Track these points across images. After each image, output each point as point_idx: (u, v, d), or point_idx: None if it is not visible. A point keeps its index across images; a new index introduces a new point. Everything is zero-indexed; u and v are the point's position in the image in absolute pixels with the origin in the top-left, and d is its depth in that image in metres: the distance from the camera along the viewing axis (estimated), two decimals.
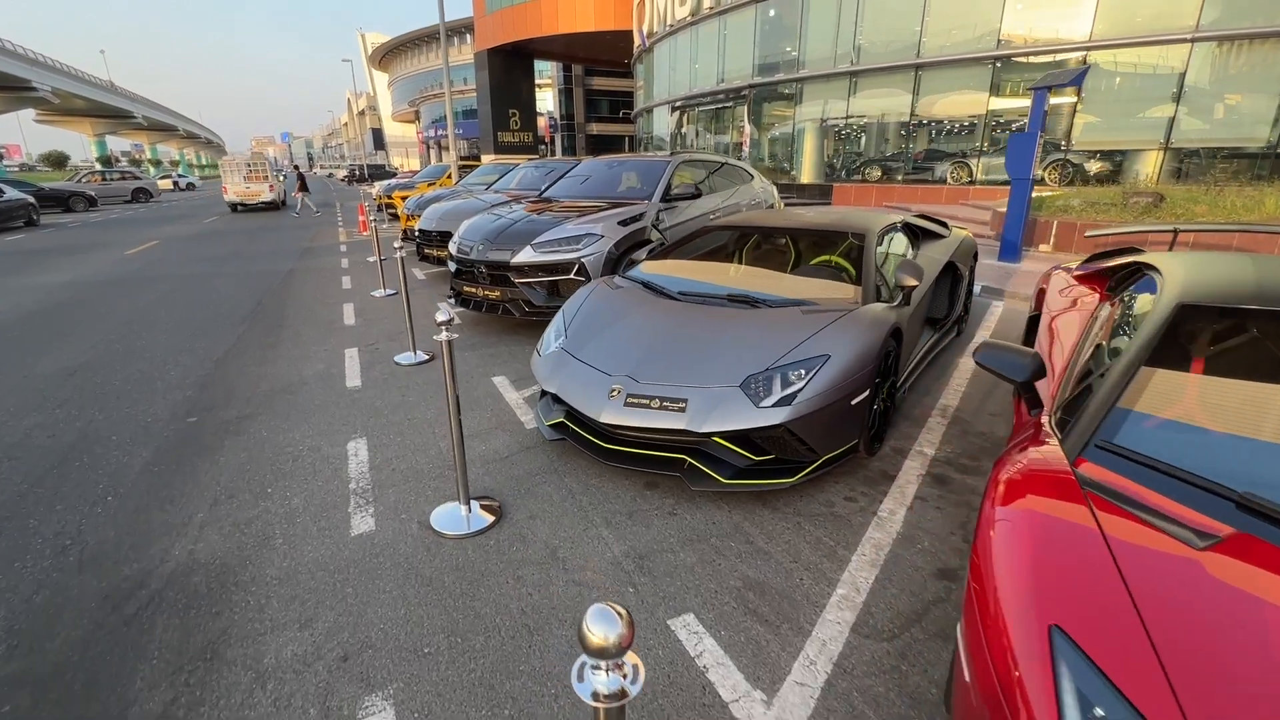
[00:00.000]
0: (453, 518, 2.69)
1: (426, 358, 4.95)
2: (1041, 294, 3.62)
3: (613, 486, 2.95)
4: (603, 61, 40.20)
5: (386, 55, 67.22)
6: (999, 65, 14.48)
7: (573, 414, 3.07)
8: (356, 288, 7.89)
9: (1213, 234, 6.75)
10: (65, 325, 6.21)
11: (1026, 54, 14.09)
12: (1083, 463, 1.53)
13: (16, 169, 63.24)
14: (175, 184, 39.74)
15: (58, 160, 49.04)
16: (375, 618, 2.13)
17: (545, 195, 6.90)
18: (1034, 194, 10.85)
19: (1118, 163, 13.94)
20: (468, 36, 46.94)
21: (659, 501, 2.82)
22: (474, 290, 5.42)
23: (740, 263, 4.22)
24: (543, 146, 44.64)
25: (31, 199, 18.19)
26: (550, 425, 3.23)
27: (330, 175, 66.40)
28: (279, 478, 3.11)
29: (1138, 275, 2.72)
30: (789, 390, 2.65)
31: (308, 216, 17.77)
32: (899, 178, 16.48)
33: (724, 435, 2.67)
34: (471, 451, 3.33)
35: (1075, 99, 13.69)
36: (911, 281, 3.32)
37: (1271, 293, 1.94)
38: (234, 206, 20.79)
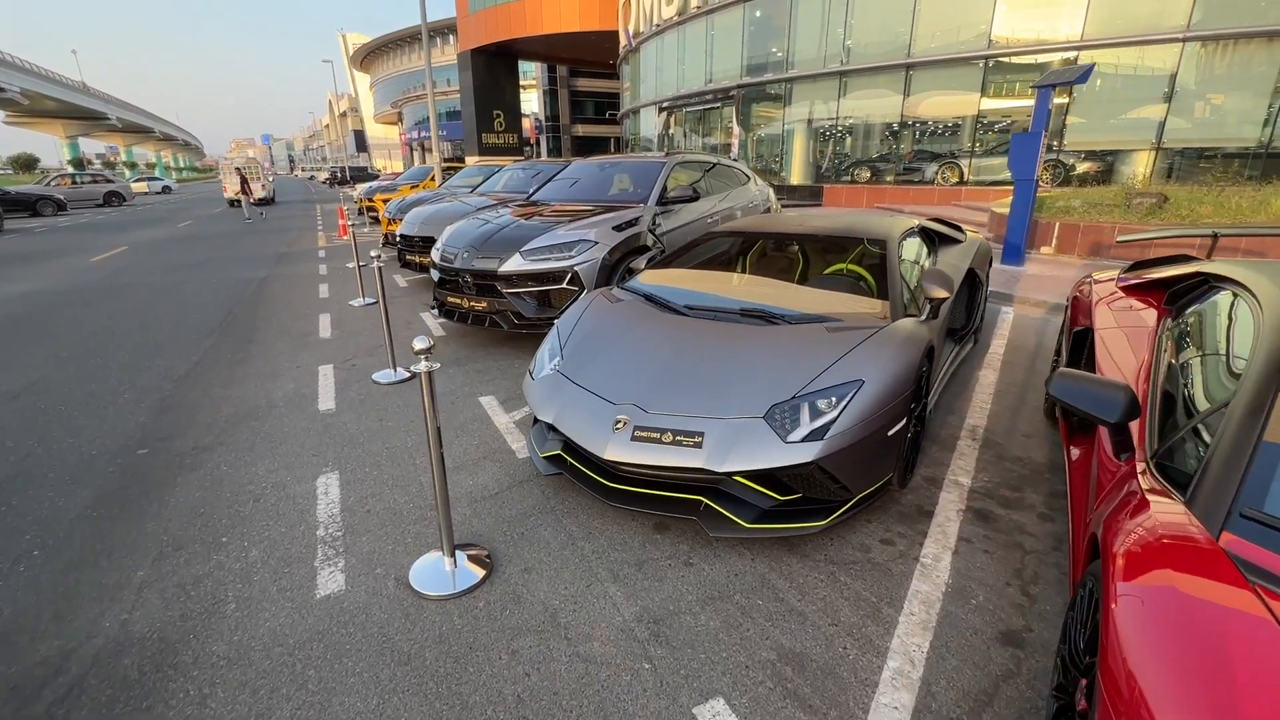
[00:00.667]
0: (435, 573, 2.33)
1: (408, 375, 4.57)
2: (1077, 305, 3.33)
3: (618, 529, 2.61)
4: (588, 62, 39.84)
5: (368, 56, 66.30)
6: (989, 65, 14.35)
7: (571, 445, 2.72)
8: (334, 296, 7.48)
9: (1254, 238, 6.53)
10: (15, 341, 5.74)
11: (1017, 54, 13.96)
12: (1229, 537, 1.21)
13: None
14: (149, 187, 38.71)
15: (27, 163, 47.63)
16: (343, 711, 1.77)
17: (534, 199, 6.54)
18: (1040, 195, 10.70)
19: (1109, 163, 13.85)
20: (451, 37, 46.34)
21: (672, 548, 2.48)
22: (459, 301, 5.05)
23: (747, 272, 3.90)
24: (528, 148, 44.17)
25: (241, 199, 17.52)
26: (545, 457, 2.88)
27: (312, 178, 65.32)
28: (236, 523, 2.72)
29: (1205, 288, 2.43)
30: (820, 422, 2.33)
31: (257, 222, 17.07)
32: (889, 178, 16.31)
33: (747, 474, 2.34)
34: (457, 488, 2.97)
35: (1067, 99, 13.59)
36: (941, 293, 3.02)
37: None
38: (231, 202, 23.67)
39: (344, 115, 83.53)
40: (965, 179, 15.08)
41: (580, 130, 49.01)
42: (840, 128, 17.19)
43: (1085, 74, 7.17)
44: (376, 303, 7.05)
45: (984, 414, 3.70)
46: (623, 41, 25.75)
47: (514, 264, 4.75)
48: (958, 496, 2.82)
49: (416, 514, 2.76)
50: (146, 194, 37.16)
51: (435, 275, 5.34)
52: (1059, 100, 13.67)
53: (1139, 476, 1.59)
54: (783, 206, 15.48)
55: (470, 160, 31.03)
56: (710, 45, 20.01)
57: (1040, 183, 13.85)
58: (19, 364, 5.03)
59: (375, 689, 1.85)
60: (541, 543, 2.53)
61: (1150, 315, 2.62)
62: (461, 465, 3.20)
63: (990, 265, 5.14)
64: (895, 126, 16.07)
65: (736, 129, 19.52)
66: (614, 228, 5.04)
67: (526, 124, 42.76)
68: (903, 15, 15.14)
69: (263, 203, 23.25)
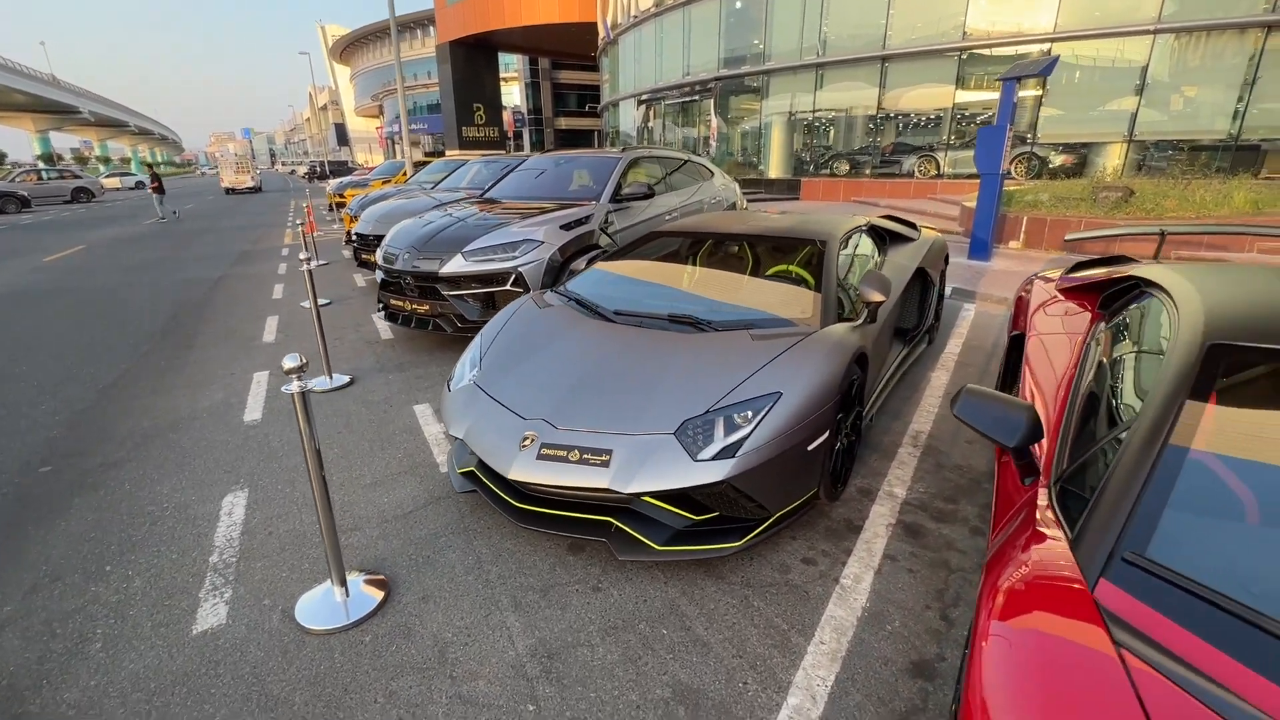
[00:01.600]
0: (325, 604, 2.18)
1: (345, 381, 4.40)
2: (1022, 306, 3.23)
3: (530, 551, 2.47)
4: (569, 55, 39.44)
5: (348, 48, 65.27)
6: (964, 58, 14.28)
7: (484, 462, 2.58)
8: (288, 297, 7.26)
9: (1200, 235, 6.49)
10: None
11: (991, 46, 13.90)
12: (1105, 585, 1.10)
13: None
14: (122, 183, 37.86)
15: None
16: None
17: (488, 195, 6.35)
18: (1010, 188, 10.66)
19: (1083, 155, 13.86)
20: (431, 29, 45.64)
21: (583, 571, 2.35)
22: (401, 304, 4.87)
23: (690, 274, 3.76)
24: (510, 141, 43.68)
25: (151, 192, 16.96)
26: (462, 473, 2.74)
27: (293, 172, 64.30)
28: (126, 550, 2.56)
29: (1135, 293, 2.33)
30: (733, 438, 2.20)
31: (172, 222, 16.51)
32: (867, 172, 16.23)
33: (657, 494, 2.21)
34: (371, 505, 2.82)
35: (1040, 92, 13.55)
36: (877, 297, 2.90)
37: None
38: (228, 190, 29.75)
39: (324, 108, 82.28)
40: (942, 172, 15.04)
41: (563, 123, 48.56)
42: (818, 121, 17.07)
43: (1049, 66, 7.09)
44: (331, 303, 6.90)
45: (929, 418, 3.60)
46: (601, 33, 25.47)
47: (455, 265, 4.58)
48: (890, 510, 2.71)
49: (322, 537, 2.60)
50: (119, 190, 36.31)
51: (379, 276, 5.16)
52: (1032, 93, 13.65)
53: (1038, 506, 1.48)
54: (758, 201, 15.39)
55: (450, 154, 30.63)
56: (687, 37, 19.80)
57: (1014, 176, 13.96)
58: None
59: None
60: (446, 567, 2.39)
61: (1083, 320, 2.51)
62: (381, 480, 3.05)
63: (946, 263, 5.04)
64: (872, 119, 15.98)
65: (715, 122, 19.36)
66: (562, 226, 4.88)
67: (506, 117, 42.28)
68: (878, 7, 15.02)
69: (252, 190, 30.09)
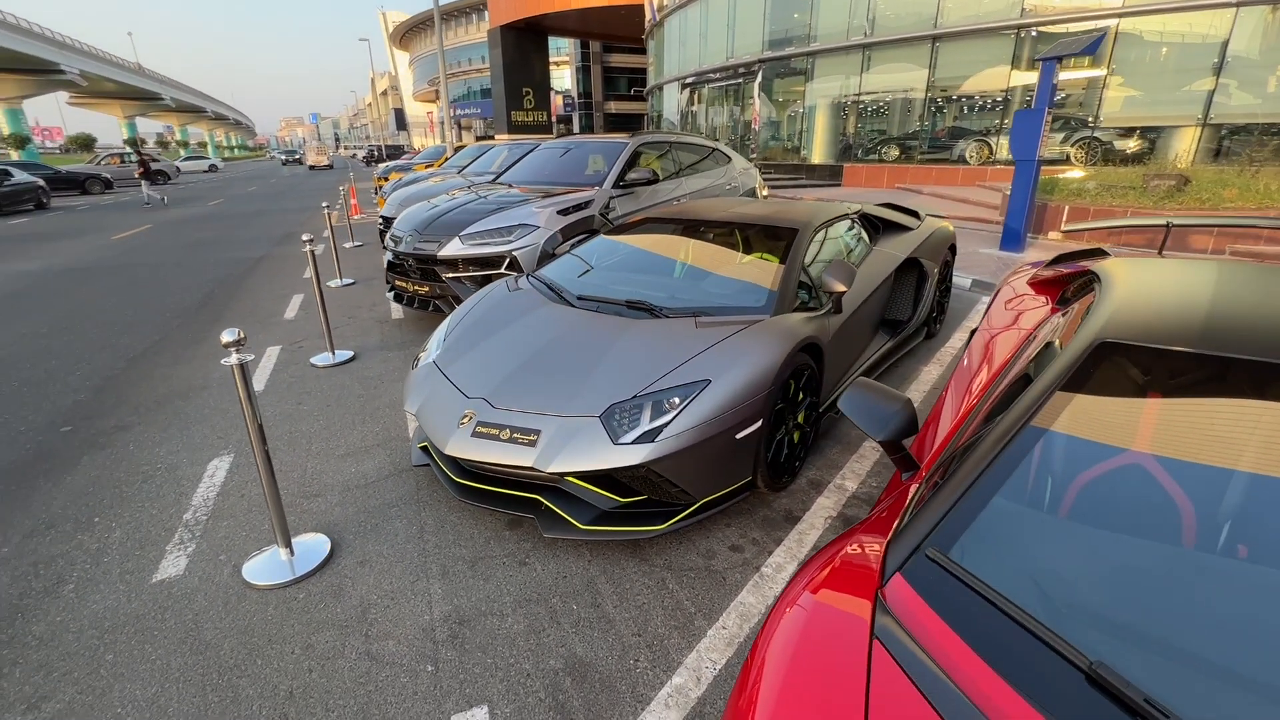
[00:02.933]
0: (272, 563, 2.35)
1: (348, 357, 4.63)
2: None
3: (471, 525, 2.58)
4: (620, 37, 39.21)
5: (407, 34, 66.81)
6: (1022, 36, 13.47)
7: None
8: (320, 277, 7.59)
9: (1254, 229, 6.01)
10: (3, 317, 6.04)
11: (1052, 23, 13.05)
12: (897, 581, 1.10)
13: (57, 151, 64.85)
14: (196, 166, 40.16)
15: (85, 142, 50.08)
16: (118, 698, 1.81)
17: (501, 179, 6.47)
18: (1053, 174, 10.09)
19: (1151, 140, 12.91)
20: (487, 14, 46.27)
21: (515, 546, 2.44)
22: (405, 285, 5.06)
23: (660, 260, 3.76)
24: (560, 126, 43.93)
25: (41, 182, 18.36)
26: (420, 448, 2.88)
27: (354, 155, 66.76)
28: (115, 504, 2.81)
29: (1089, 288, 2.22)
30: (656, 423, 2.24)
31: (156, 207, 17.11)
32: (916, 157, 15.60)
33: (581, 475, 2.27)
34: (337, 475, 2.99)
35: (1103, 72, 12.67)
36: (838, 287, 2.85)
37: (1238, 327, 1.46)
38: (311, 167, 38.91)
39: (384, 94, 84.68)
40: (995, 157, 14.30)
41: (613, 107, 48.47)
42: (863, 104, 16.48)
43: (1094, 45, 6.64)
44: (354, 283, 7.21)
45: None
46: (647, 16, 25.22)
47: (453, 248, 4.72)
48: (834, 502, 2.69)
49: (289, 501, 2.78)
50: (194, 172, 38.57)
51: (387, 258, 5.36)
52: (1094, 73, 12.80)
53: (905, 499, 1.47)
54: (797, 188, 15.04)
55: (499, 138, 31.09)
56: (732, 18, 19.39)
57: (1074, 161, 13.16)
58: None
59: (160, 677, 1.88)
60: (390, 535, 2.53)
61: (1040, 315, 2.41)
62: (353, 452, 3.22)
63: (953, 253, 4.85)
64: (921, 102, 15.31)
65: (758, 105, 18.95)
66: (559, 211, 4.95)
67: (557, 101, 42.50)
68: None
69: (327, 167, 38.14)
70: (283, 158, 50.76)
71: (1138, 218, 3.35)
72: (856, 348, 3.46)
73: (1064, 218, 7.95)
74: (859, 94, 16.32)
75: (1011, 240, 7.39)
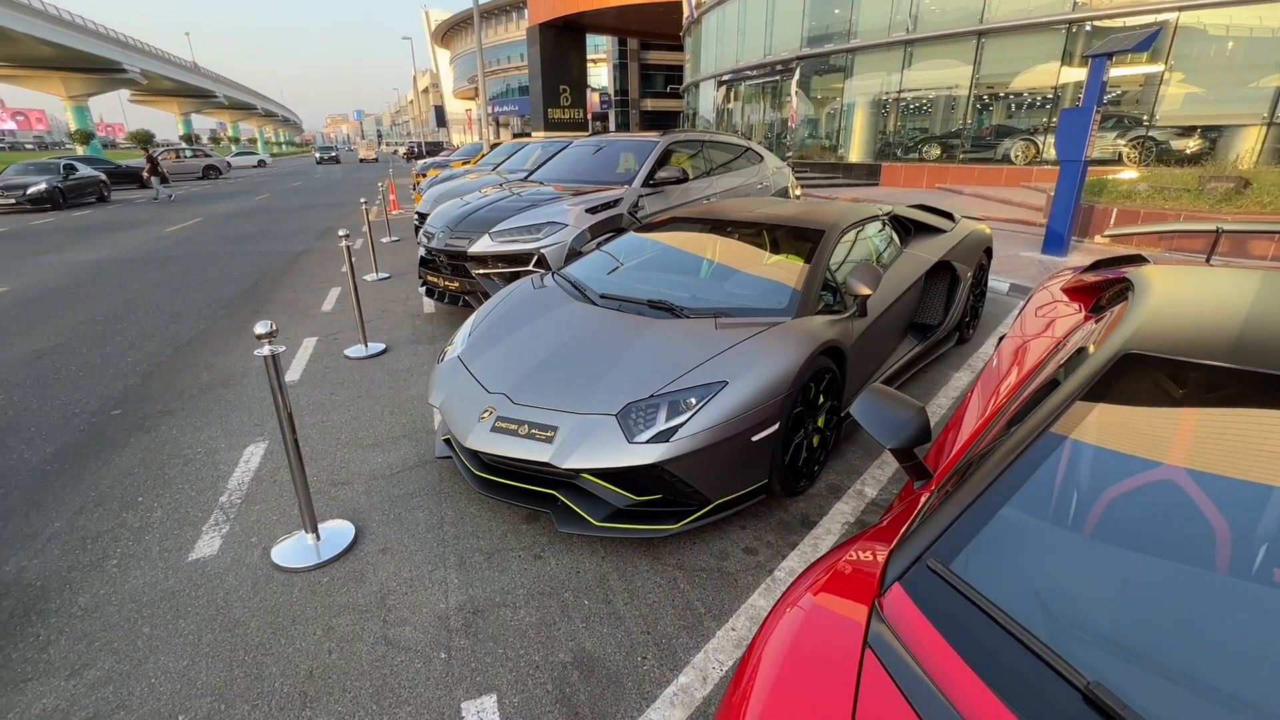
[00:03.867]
0: (299, 547, 2.44)
1: (380, 349, 4.76)
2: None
3: (490, 517, 2.63)
4: (658, 35, 39.10)
5: (448, 32, 67.96)
6: (1074, 30, 12.97)
7: None
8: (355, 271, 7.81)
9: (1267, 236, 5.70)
10: (62, 305, 6.39)
11: (1108, 16, 12.53)
12: (895, 591, 1.09)
13: (115, 146, 68.04)
14: (246, 161, 41.66)
15: (144, 138, 52.55)
16: (153, 668, 1.91)
17: (532, 177, 6.55)
18: (1102, 175, 9.70)
19: (1211, 140, 12.29)
20: (526, 12, 46.74)
21: (531, 540, 2.48)
22: (436, 280, 5.17)
23: (686, 260, 3.75)
24: (596, 123, 44.11)
25: (103, 176, 19.33)
26: (444, 440, 2.95)
27: (395, 152, 68.29)
28: (157, 485, 2.95)
29: (1123, 295, 2.14)
30: (672, 423, 2.25)
31: (165, 204, 17.39)
32: (959, 156, 15.18)
33: (596, 472, 2.29)
34: (364, 464, 3.09)
35: (1161, 68, 12.11)
36: (863, 290, 2.81)
37: (1265, 341, 1.39)
38: (361, 159, 44.35)
39: (426, 91, 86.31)
40: (1041, 157, 13.82)
41: (649, 105, 48.44)
42: (904, 102, 16.11)
43: (1149, 40, 6.36)
44: (390, 277, 7.39)
45: (934, 418, 3.44)
46: (685, 13, 25.11)
47: (483, 245, 4.80)
48: (852, 508, 2.66)
49: (318, 487, 2.89)
50: (244, 167, 40.01)
51: (420, 253, 5.48)
52: (1150, 69, 12.25)
53: (915, 507, 1.45)
54: (833, 187, 14.81)
55: (536, 135, 31.41)
56: (770, 15, 19.16)
57: (1127, 161, 12.63)
58: (56, 326, 5.60)
59: (192, 650, 1.97)
60: (411, 524, 2.60)
61: (1072, 323, 2.33)
62: (381, 442, 3.32)
63: (989, 257, 4.72)
64: (965, 100, 14.88)
65: (795, 103, 18.71)
66: (587, 210, 4.99)
67: (594, 98, 42.68)
68: None
69: (374, 160, 43.68)
70: (318, 155, 46.20)
71: (1187, 222, 3.21)
72: (882, 352, 3.41)
73: (1111, 221, 7.65)
74: (899, 91, 15.96)
75: (1054, 244, 7.15)
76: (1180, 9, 11.74)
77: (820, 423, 2.76)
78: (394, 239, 10.08)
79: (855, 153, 17.37)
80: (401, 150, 59.81)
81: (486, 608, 2.13)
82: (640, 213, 5.33)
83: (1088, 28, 12.82)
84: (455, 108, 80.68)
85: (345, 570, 2.33)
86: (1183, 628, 1.01)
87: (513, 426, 2.40)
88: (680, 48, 31.93)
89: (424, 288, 5.43)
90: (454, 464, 2.97)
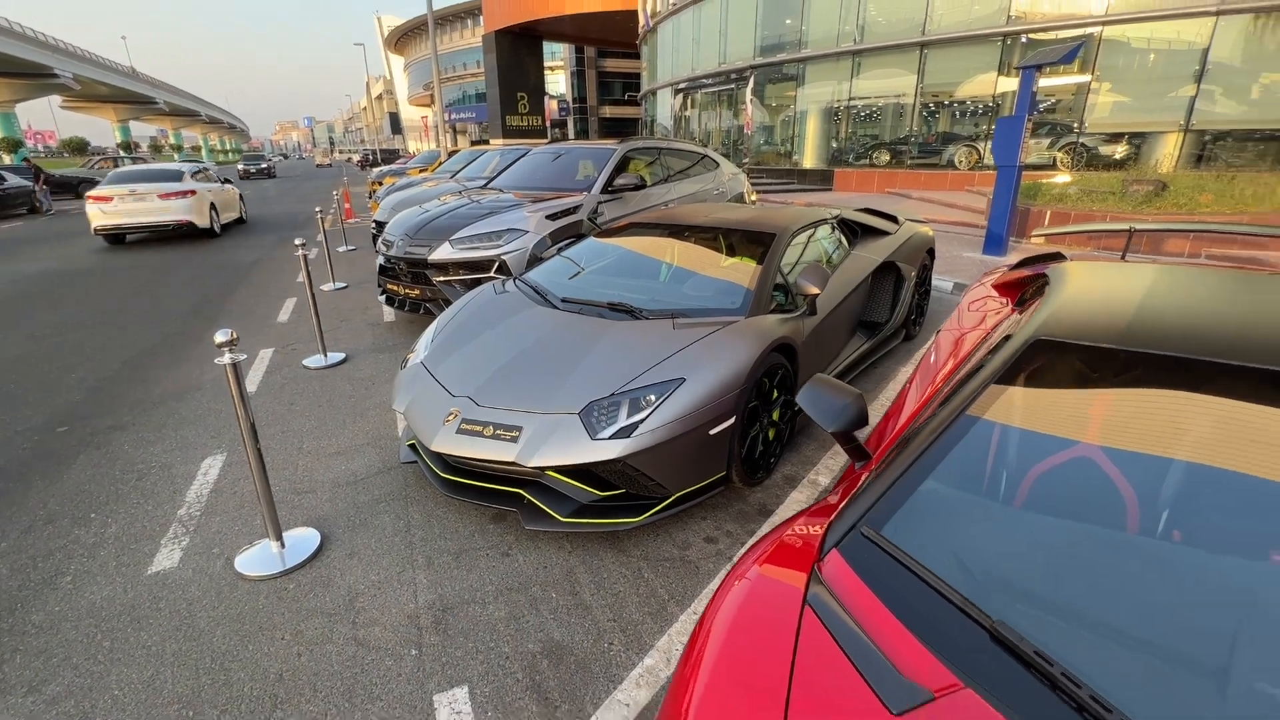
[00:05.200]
0: (263, 555, 2.44)
1: (340, 359, 4.72)
2: None
3: (458, 518, 2.67)
4: (614, 43, 39.40)
5: (402, 38, 66.96)
6: (1010, 42, 13.68)
7: None
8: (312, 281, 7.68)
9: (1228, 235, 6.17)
10: (10, 319, 6.10)
11: (1039, 30, 13.25)
12: (833, 557, 1.20)
13: (43, 154, 64.71)
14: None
15: (78, 146, 50.06)
16: (116, 680, 1.90)
17: (492, 184, 6.58)
18: (1036, 180, 10.26)
19: (1136, 146, 13.11)
20: (483, 19, 46.47)
21: (499, 538, 2.53)
22: (396, 288, 5.16)
23: (644, 264, 3.86)
24: (555, 130, 44.07)
25: (34, 186, 18.37)
26: (409, 445, 2.97)
27: (349, 159, 66.81)
28: (111, 500, 2.89)
29: (1042, 290, 2.33)
30: (633, 419, 2.34)
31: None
32: (907, 162, 15.78)
33: (561, 469, 2.37)
34: (328, 472, 3.08)
35: (1089, 78, 12.88)
36: (812, 290, 2.96)
37: (1166, 326, 1.56)
38: (317, 165, 40.33)
39: (379, 98, 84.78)
40: (983, 162, 14.49)
41: (608, 112, 48.73)
42: (854, 110, 16.67)
43: (1072, 53, 6.80)
44: (347, 286, 7.30)
45: (880, 411, 3.62)
46: (641, 21, 25.41)
47: (443, 252, 4.82)
48: (807, 497, 2.79)
49: (281, 497, 2.87)
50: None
51: (379, 261, 5.46)
52: (1079, 79, 13.01)
53: (854, 485, 1.57)
54: (789, 193, 15.19)
55: (494, 142, 31.19)
56: (725, 25, 19.58)
57: (1060, 166, 13.35)
58: (4, 342, 5.36)
59: (156, 660, 1.96)
60: (379, 528, 2.62)
61: (999, 315, 2.52)
62: (344, 450, 3.31)
63: (931, 257, 4.98)
64: (911, 108, 15.50)
65: (750, 111, 19.13)
66: (548, 216, 5.06)
67: (552, 105, 42.66)
68: None
69: (330, 166, 39.81)
70: (243, 166, 35.58)
71: (1108, 223, 3.47)
72: (832, 348, 3.57)
73: (1046, 222, 8.11)
74: (849, 99, 16.51)
75: (994, 244, 7.54)
76: (1104, 23, 12.52)
77: (775, 416, 2.90)
78: (350, 248, 9.92)
79: (809, 159, 17.87)
80: (356, 158, 58.56)
81: (456, 605, 2.17)
82: (599, 219, 5.42)
83: (1023, 40, 13.53)
84: (411, 114, 79.41)
85: (312, 576, 2.34)
86: (1071, 574, 1.15)
87: (478, 428, 2.46)
88: (637, 55, 32.28)
89: (384, 296, 5.40)
90: (419, 468, 2.99)
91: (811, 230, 3.81)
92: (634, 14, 27.10)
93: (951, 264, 7.14)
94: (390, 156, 40.16)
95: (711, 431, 2.45)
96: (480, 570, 2.35)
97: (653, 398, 2.40)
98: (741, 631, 1.09)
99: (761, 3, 18.17)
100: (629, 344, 2.71)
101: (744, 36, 18.84)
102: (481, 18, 40.10)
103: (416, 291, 4.96)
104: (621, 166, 5.84)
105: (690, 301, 3.11)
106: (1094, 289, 1.95)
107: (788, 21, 17.59)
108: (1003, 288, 2.85)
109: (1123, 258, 3.45)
